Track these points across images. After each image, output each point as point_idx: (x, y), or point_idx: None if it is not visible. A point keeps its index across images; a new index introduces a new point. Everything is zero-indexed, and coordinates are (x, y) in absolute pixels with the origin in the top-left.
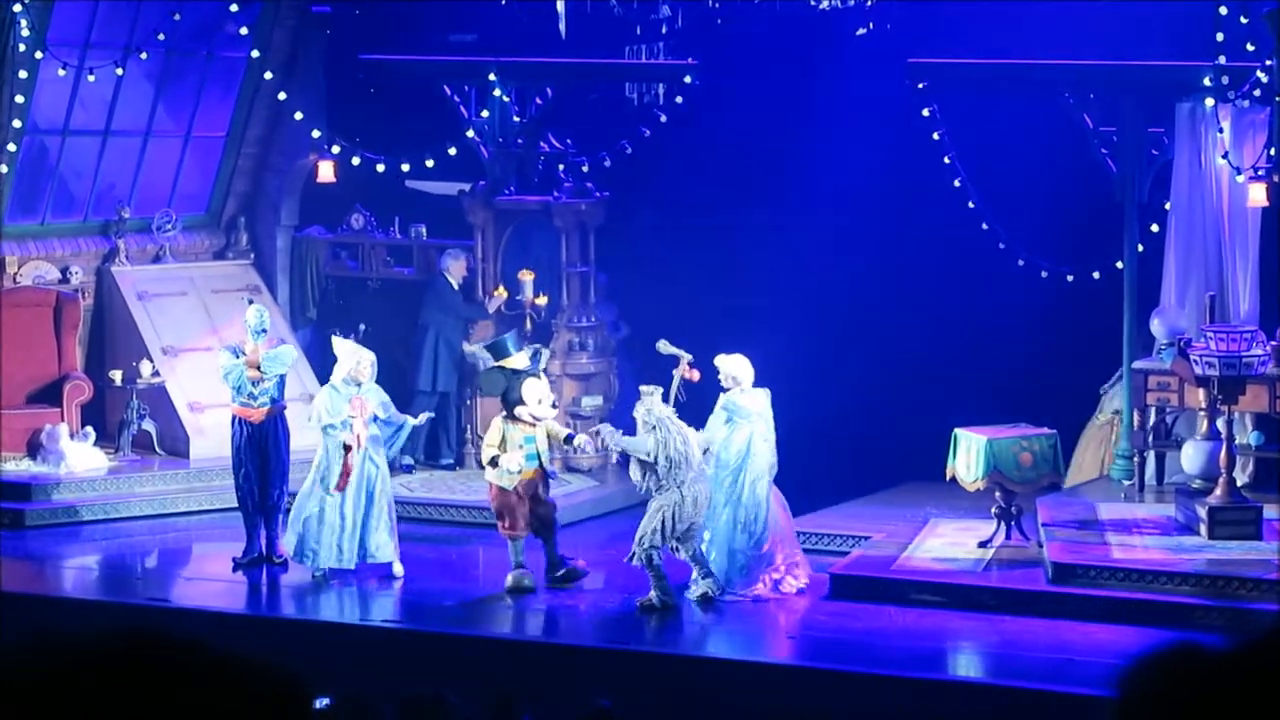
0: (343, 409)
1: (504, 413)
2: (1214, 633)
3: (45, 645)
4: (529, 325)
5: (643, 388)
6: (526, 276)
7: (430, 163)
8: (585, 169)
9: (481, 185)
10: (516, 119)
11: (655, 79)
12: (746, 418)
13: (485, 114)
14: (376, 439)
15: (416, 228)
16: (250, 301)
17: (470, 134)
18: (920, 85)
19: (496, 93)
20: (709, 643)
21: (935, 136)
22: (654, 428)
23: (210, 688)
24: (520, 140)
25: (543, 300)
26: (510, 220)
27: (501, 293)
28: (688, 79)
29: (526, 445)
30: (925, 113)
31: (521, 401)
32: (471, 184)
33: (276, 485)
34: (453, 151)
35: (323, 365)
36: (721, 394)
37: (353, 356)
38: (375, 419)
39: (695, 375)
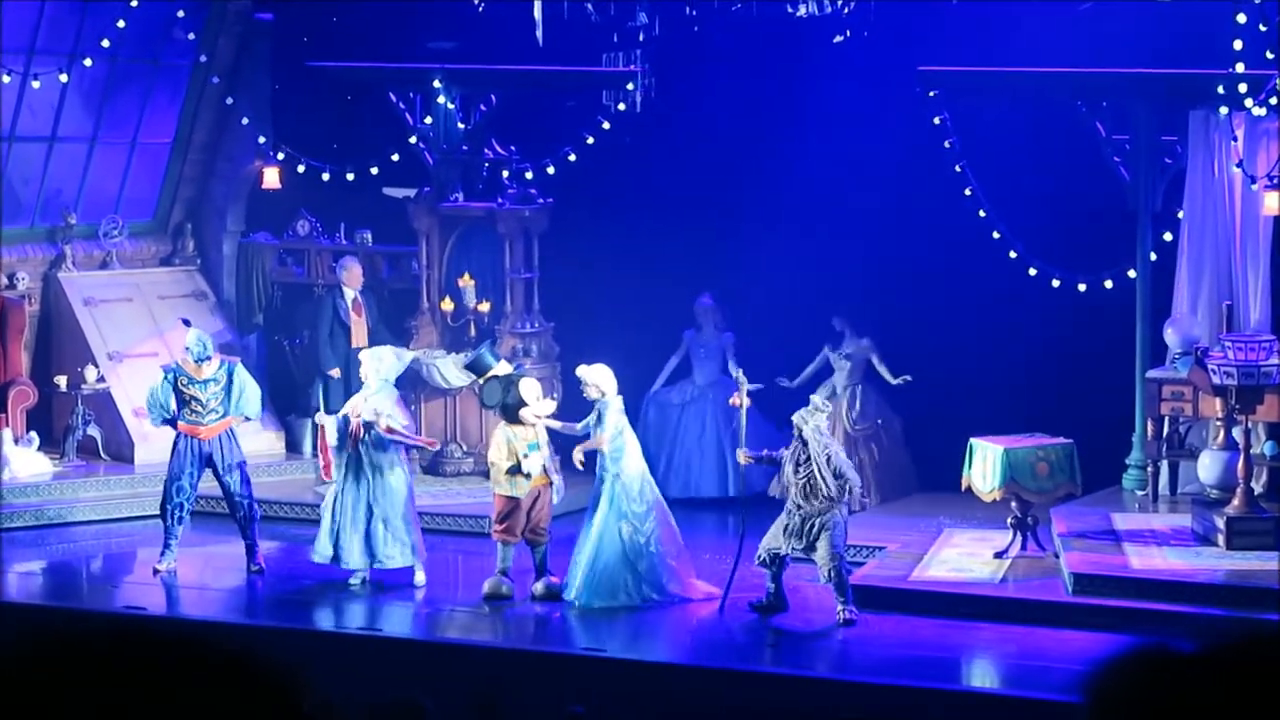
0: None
1: (503, 422)
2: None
3: (35, 646)
4: (472, 331)
5: (815, 398)
6: (466, 283)
7: (375, 170)
8: (529, 175)
9: (426, 192)
10: (461, 125)
11: (602, 87)
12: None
13: (429, 120)
14: (377, 446)
15: (362, 234)
16: (188, 324)
17: (414, 140)
18: (931, 93)
19: (441, 99)
20: (687, 650)
21: (947, 144)
22: (827, 445)
23: (203, 683)
24: (465, 147)
25: (486, 306)
26: (455, 226)
27: (449, 305)
28: (630, 86)
29: (532, 453)
30: (936, 120)
31: (523, 402)
32: (416, 190)
33: (246, 494)
34: (396, 158)
35: (270, 370)
36: (601, 405)
37: (367, 357)
38: (372, 428)
39: (735, 400)
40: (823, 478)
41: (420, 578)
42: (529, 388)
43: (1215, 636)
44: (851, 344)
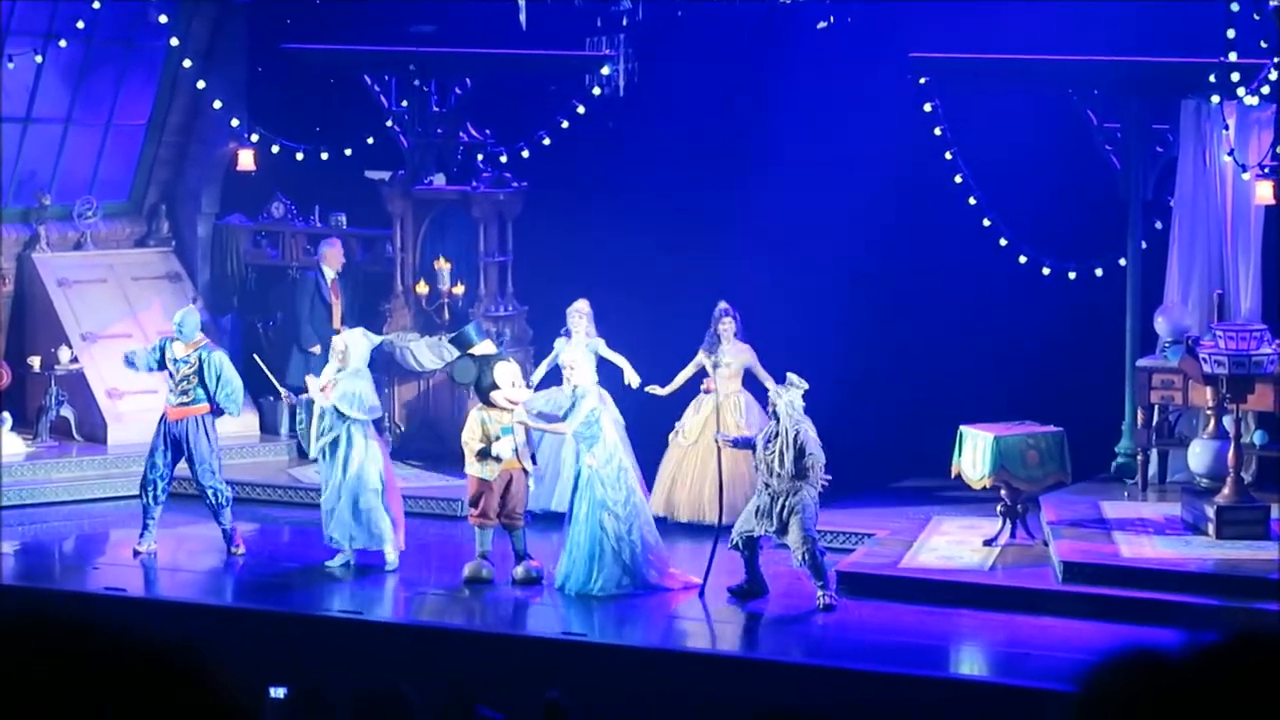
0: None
1: (479, 404)
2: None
3: None
4: (446, 315)
5: (791, 377)
6: (443, 266)
7: (349, 152)
8: (504, 159)
9: (401, 174)
10: (436, 109)
11: (582, 71)
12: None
13: (405, 104)
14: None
15: (336, 216)
16: (195, 301)
17: (390, 124)
18: (921, 80)
19: (416, 83)
20: (666, 635)
21: (937, 132)
22: (798, 421)
23: (103, 672)
24: (440, 130)
25: (460, 289)
26: (429, 210)
27: (424, 288)
28: (605, 70)
29: (504, 436)
30: (927, 108)
31: (496, 386)
32: (391, 173)
33: (213, 483)
34: (371, 141)
35: (245, 352)
36: (577, 395)
37: (339, 341)
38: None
39: (706, 386)
40: (783, 453)
41: (391, 560)
42: (503, 372)
43: (1205, 629)
44: (731, 349)
